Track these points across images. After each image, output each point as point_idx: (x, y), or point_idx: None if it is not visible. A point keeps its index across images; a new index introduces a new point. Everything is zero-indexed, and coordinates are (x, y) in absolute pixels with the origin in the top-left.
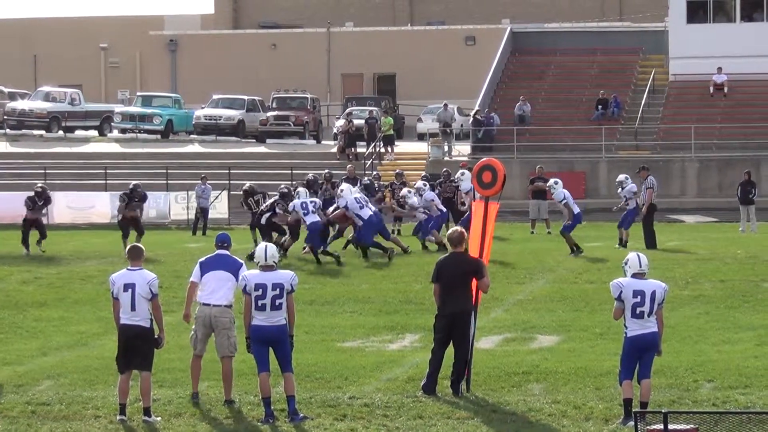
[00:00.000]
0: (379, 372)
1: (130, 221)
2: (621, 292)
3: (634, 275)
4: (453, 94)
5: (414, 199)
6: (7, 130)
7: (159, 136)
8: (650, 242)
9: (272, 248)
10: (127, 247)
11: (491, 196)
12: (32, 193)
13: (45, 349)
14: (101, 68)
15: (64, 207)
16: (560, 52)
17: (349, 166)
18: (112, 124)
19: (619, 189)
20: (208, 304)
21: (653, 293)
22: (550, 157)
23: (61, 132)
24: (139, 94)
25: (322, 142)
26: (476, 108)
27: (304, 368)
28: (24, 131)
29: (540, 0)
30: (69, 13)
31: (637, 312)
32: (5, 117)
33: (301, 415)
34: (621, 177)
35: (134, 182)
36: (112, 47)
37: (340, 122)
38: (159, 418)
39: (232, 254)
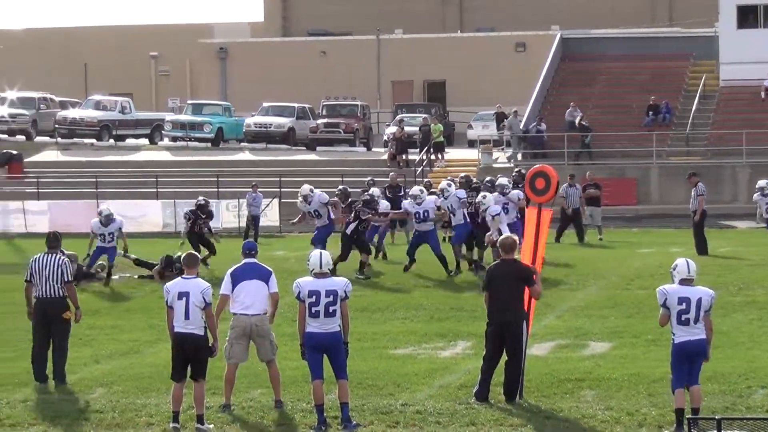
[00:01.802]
0: (432, 379)
1: (198, 239)
2: (666, 299)
3: (681, 281)
4: (503, 101)
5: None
6: (59, 139)
7: (209, 144)
8: (702, 249)
9: (326, 255)
10: (182, 255)
11: (544, 203)
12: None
13: (97, 356)
14: (151, 76)
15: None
16: (610, 58)
17: (392, 173)
18: (163, 132)
19: (759, 195)
20: (247, 314)
21: (699, 300)
22: (601, 164)
23: (111, 141)
24: (189, 102)
25: (373, 149)
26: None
27: (356, 375)
28: (75, 140)
29: (590, 6)
30: (119, 21)
31: (683, 319)
32: (56, 126)
33: (354, 422)
34: (762, 182)
35: (202, 198)
36: (162, 55)
37: (392, 129)
38: (212, 426)
39: (259, 261)
